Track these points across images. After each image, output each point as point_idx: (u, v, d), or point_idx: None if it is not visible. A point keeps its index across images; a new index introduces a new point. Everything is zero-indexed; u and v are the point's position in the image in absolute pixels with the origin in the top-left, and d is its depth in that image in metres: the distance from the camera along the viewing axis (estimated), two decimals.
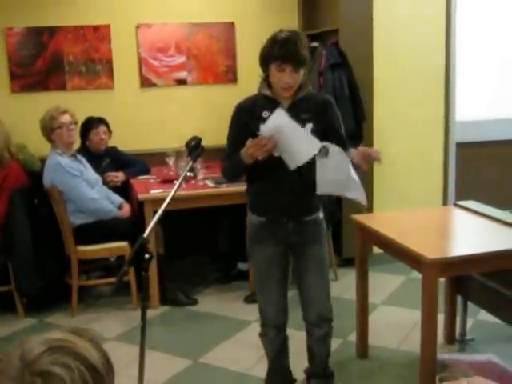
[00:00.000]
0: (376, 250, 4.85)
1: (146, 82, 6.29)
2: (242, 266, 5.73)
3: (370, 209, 5.85)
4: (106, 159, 5.75)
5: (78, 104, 5.81)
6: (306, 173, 3.23)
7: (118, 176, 5.65)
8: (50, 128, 5.10)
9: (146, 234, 2.54)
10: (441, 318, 4.19)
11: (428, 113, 6.17)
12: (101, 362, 1.25)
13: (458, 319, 4.41)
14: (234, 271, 5.83)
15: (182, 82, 6.39)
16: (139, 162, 5.87)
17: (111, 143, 5.84)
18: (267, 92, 3.30)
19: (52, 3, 5.95)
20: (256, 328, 3.72)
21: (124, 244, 5.10)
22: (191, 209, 5.34)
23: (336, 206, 5.44)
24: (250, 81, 6.14)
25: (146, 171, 5.84)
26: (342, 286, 5.48)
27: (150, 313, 4.95)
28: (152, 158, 6.03)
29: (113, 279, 5.25)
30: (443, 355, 2.52)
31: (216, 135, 5.87)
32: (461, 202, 4.38)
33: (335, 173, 3.19)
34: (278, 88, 3.21)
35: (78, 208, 5.10)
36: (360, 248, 4.19)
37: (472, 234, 3.96)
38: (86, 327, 1.34)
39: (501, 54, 6.50)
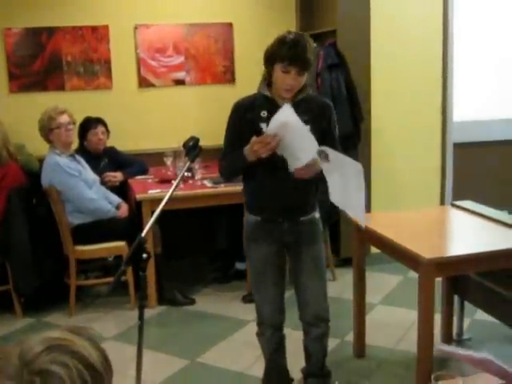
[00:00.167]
0: (374, 249, 4.87)
1: (144, 83, 6.30)
2: (239, 265, 5.74)
3: (367, 209, 5.86)
4: (104, 159, 5.75)
5: (77, 104, 5.82)
6: None
7: (116, 176, 5.65)
8: (48, 128, 5.11)
9: (143, 234, 2.55)
10: (438, 318, 4.20)
11: (425, 113, 6.18)
12: (99, 360, 1.25)
13: (455, 319, 4.42)
14: (231, 271, 5.83)
15: (180, 83, 6.40)
16: (137, 161, 5.88)
17: (109, 143, 5.84)
18: (266, 92, 3.31)
19: (50, 4, 5.96)
20: (254, 328, 3.73)
21: (122, 244, 5.11)
22: (189, 209, 5.35)
23: (332, 206, 5.45)
24: (247, 81, 6.20)
25: (144, 171, 5.84)
26: (340, 285, 5.49)
27: (148, 312, 4.96)
28: (150, 158, 6.04)
29: (111, 279, 5.25)
30: (442, 346, 2.53)
31: (214, 135, 5.87)
32: (458, 202, 4.39)
33: (342, 179, 3.16)
34: (280, 89, 3.22)
35: (76, 208, 5.11)
36: (357, 248, 4.20)
37: (469, 233, 3.97)
38: (84, 326, 1.34)
39: (498, 54, 6.51)
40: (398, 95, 6.04)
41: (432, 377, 1.87)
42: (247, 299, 5.24)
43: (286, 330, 3.67)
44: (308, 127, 3.22)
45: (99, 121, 5.73)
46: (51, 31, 5.98)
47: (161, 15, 6.26)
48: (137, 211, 5.27)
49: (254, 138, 3.15)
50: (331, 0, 5.91)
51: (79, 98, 6.07)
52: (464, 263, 3.50)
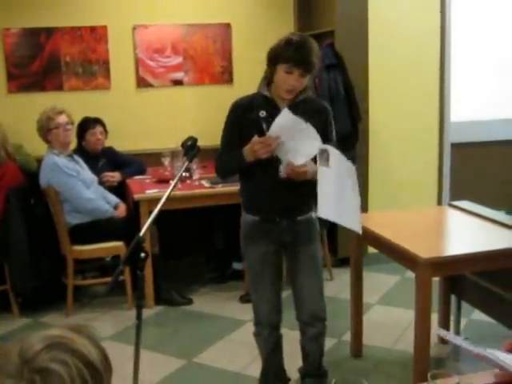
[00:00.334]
0: (371, 249, 4.87)
1: (142, 83, 6.31)
2: (237, 265, 5.75)
3: (365, 209, 5.88)
4: (102, 159, 5.76)
5: (75, 104, 5.83)
6: None
7: (115, 176, 5.66)
8: (46, 128, 5.11)
9: (142, 233, 2.56)
10: (435, 318, 4.22)
11: (423, 113, 6.19)
12: (99, 358, 1.26)
13: (452, 319, 4.43)
14: (229, 271, 5.84)
15: (178, 83, 6.41)
16: (135, 162, 5.89)
17: (108, 143, 5.85)
18: (266, 92, 3.32)
19: (49, 4, 5.97)
20: (251, 328, 3.73)
21: (120, 244, 5.11)
22: (186, 209, 5.36)
23: None
24: (245, 82, 6.20)
25: (142, 171, 5.85)
26: (337, 285, 5.49)
27: (145, 312, 4.92)
28: (148, 158, 6.05)
29: (108, 279, 5.23)
30: (444, 331, 2.53)
31: (212, 135, 5.86)
32: (455, 202, 4.39)
33: (336, 185, 3.16)
34: (282, 89, 3.23)
35: (74, 208, 5.11)
36: (355, 248, 4.21)
37: (466, 233, 3.97)
38: (84, 324, 1.35)
39: (496, 54, 6.52)
40: (396, 95, 6.06)
41: (428, 375, 1.87)
42: (244, 299, 5.24)
43: (283, 330, 3.67)
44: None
45: (97, 121, 5.74)
46: (50, 31, 5.99)
47: (159, 16, 6.27)
48: (134, 211, 5.27)
49: (255, 138, 3.16)
50: (329, 1, 5.94)
51: (77, 99, 6.08)
52: (461, 263, 3.51)
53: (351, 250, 4.25)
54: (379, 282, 5.63)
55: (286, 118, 3.12)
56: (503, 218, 3.98)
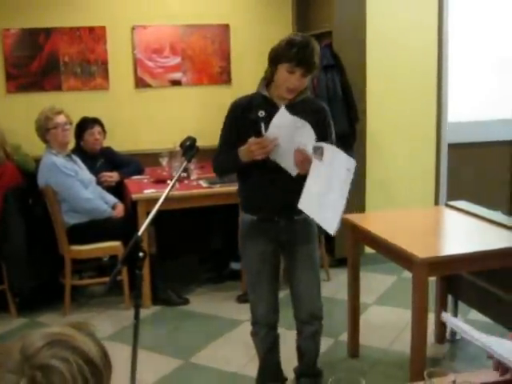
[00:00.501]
0: (368, 250, 4.89)
1: (140, 83, 6.32)
2: (234, 265, 5.74)
3: (362, 209, 5.90)
4: (100, 159, 5.77)
5: (74, 104, 5.83)
6: None
7: (113, 176, 5.67)
8: (44, 128, 5.11)
9: (140, 233, 2.57)
10: (432, 318, 4.23)
11: (420, 114, 6.21)
12: (99, 356, 1.27)
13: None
14: (226, 271, 5.84)
15: (176, 83, 6.42)
16: (133, 162, 5.90)
17: (106, 143, 5.86)
18: (265, 92, 3.34)
19: (48, 5, 5.97)
20: (248, 327, 3.74)
21: (117, 244, 5.12)
22: (184, 209, 5.36)
23: None
24: (244, 82, 6.22)
25: (140, 171, 5.85)
26: (334, 285, 5.50)
27: (142, 312, 4.89)
28: (146, 159, 6.05)
29: (106, 279, 5.24)
30: (450, 317, 2.54)
31: (210, 136, 5.87)
32: (452, 202, 4.41)
33: (325, 182, 3.13)
34: (283, 88, 3.24)
35: (72, 208, 5.12)
36: (352, 248, 4.21)
37: (462, 233, 3.98)
38: (85, 322, 1.36)
39: (493, 55, 6.53)
40: (394, 96, 6.07)
41: (425, 373, 1.89)
42: (242, 299, 5.24)
43: (280, 330, 3.68)
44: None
45: (96, 121, 5.75)
46: (49, 32, 6.00)
47: (158, 16, 6.28)
48: (132, 211, 5.28)
49: (252, 139, 3.18)
50: (327, 2, 5.95)
51: (76, 99, 6.08)
52: (457, 263, 3.53)
53: (348, 250, 4.26)
54: (376, 282, 5.63)
55: (283, 117, 3.13)
56: (500, 218, 3.99)
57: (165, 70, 6.37)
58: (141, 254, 2.51)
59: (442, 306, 4.42)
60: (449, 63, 6.24)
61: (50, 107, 5.19)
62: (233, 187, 5.10)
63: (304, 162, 3.14)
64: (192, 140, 3.00)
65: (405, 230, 3.88)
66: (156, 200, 2.73)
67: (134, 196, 5.13)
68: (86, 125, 5.69)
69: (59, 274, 5.24)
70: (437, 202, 6.29)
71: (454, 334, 4.42)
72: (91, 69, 6.17)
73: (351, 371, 4.09)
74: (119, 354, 4.20)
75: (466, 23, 6.37)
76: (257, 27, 6.48)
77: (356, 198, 5.83)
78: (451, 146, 6.36)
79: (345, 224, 4.18)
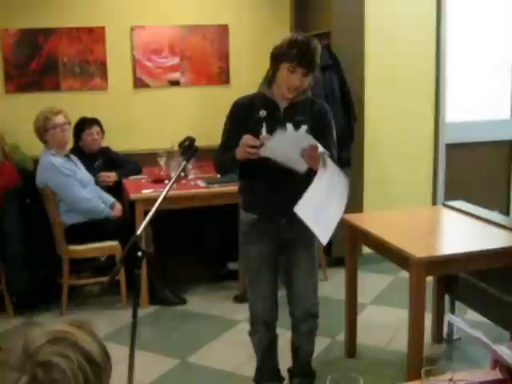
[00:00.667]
0: (365, 249, 4.90)
1: (139, 83, 6.33)
2: (231, 265, 5.75)
3: (359, 208, 5.91)
4: (98, 159, 5.77)
5: (72, 105, 5.84)
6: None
7: (111, 176, 5.67)
8: (43, 128, 5.12)
9: (139, 232, 2.58)
10: (429, 318, 4.24)
11: (418, 114, 6.22)
12: (100, 354, 1.28)
13: (446, 318, 4.46)
14: (223, 271, 5.84)
15: (175, 83, 6.43)
16: (131, 162, 5.90)
17: (104, 143, 5.86)
18: (266, 92, 3.35)
19: (47, 5, 5.98)
20: (245, 327, 3.75)
21: (115, 243, 5.12)
22: (181, 208, 5.36)
23: None
24: (242, 82, 6.24)
25: (138, 171, 5.86)
26: (332, 285, 5.50)
27: (139, 312, 4.86)
28: (144, 158, 6.06)
29: (103, 278, 5.23)
30: (456, 318, 2.56)
31: (208, 136, 5.89)
32: (449, 202, 4.42)
33: (326, 192, 3.14)
34: (284, 88, 3.26)
35: (71, 208, 5.12)
36: (349, 248, 4.22)
37: (460, 233, 4.00)
38: (86, 320, 1.38)
39: (491, 56, 6.55)
40: (391, 96, 6.08)
41: (422, 371, 1.90)
42: (239, 299, 5.26)
43: (278, 331, 3.69)
44: (304, 127, 3.28)
45: (94, 121, 5.75)
46: (48, 32, 6.00)
47: (157, 17, 6.28)
48: (130, 211, 5.29)
49: (246, 136, 3.18)
50: (325, 3, 5.96)
51: (75, 99, 6.09)
52: (454, 262, 3.54)
53: (345, 250, 4.26)
54: (373, 282, 5.64)
55: (279, 140, 3.14)
56: (497, 218, 4.01)
57: (163, 71, 6.37)
58: (139, 254, 2.52)
59: (439, 305, 4.43)
60: (447, 64, 6.25)
61: (49, 107, 5.20)
62: (230, 187, 5.14)
63: (314, 157, 3.11)
64: (191, 140, 3.00)
65: (402, 230, 3.89)
66: (154, 200, 2.73)
67: (132, 196, 5.13)
68: (84, 125, 5.70)
69: (57, 273, 5.24)
70: (434, 202, 6.30)
71: (451, 333, 4.43)
72: (90, 69, 6.18)
73: (348, 371, 4.09)
74: (116, 354, 4.20)
75: (465, 24, 6.38)
76: (255, 28, 6.50)
77: (353, 198, 5.82)
78: (449, 146, 6.37)
79: (342, 224, 4.20)
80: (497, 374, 2.12)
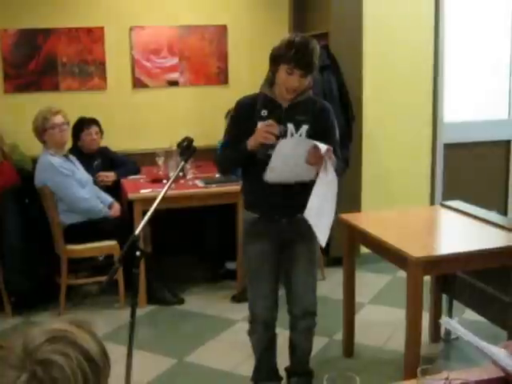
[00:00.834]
0: (363, 249, 4.91)
1: (138, 83, 6.33)
2: (229, 265, 5.75)
3: (357, 208, 5.92)
4: (97, 159, 5.77)
5: (71, 105, 5.84)
6: None
7: (109, 176, 5.68)
8: (42, 128, 5.12)
9: (137, 232, 2.59)
10: (426, 317, 4.25)
11: (416, 114, 6.23)
12: (98, 353, 1.29)
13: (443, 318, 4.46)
14: (221, 270, 5.84)
15: (173, 84, 6.44)
16: (129, 162, 5.91)
17: (103, 143, 5.87)
18: (268, 92, 3.37)
19: (47, 5, 5.98)
20: (242, 327, 3.75)
21: (113, 243, 5.12)
22: (179, 208, 5.37)
23: None
24: (241, 82, 6.25)
25: (136, 171, 5.87)
26: (330, 285, 5.49)
27: (137, 312, 4.88)
28: (143, 158, 6.07)
29: (102, 278, 5.20)
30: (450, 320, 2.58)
31: (207, 136, 5.93)
32: (447, 202, 4.43)
33: (326, 194, 3.19)
34: (283, 89, 3.28)
35: (69, 207, 5.12)
36: (347, 247, 4.22)
37: (457, 233, 4.01)
38: (85, 319, 1.39)
39: (489, 56, 6.56)
40: (390, 96, 6.09)
41: (418, 370, 1.91)
42: (237, 299, 5.27)
43: (277, 330, 3.70)
44: (305, 127, 3.31)
45: (93, 121, 5.75)
46: (47, 33, 6.01)
47: (155, 17, 6.29)
48: (128, 211, 5.29)
49: (262, 123, 3.23)
50: (324, 3, 5.97)
51: (74, 99, 6.09)
52: (452, 262, 3.55)
53: (344, 249, 4.27)
54: (371, 281, 5.65)
55: (280, 154, 3.16)
56: (495, 217, 4.02)
57: (162, 71, 6.38)
58: (137, 253, 2.54)
59: (436, 305, 4.44)
60: (445, 64, 6.26)
61: (48, 107, 5.20)
62: (228, 187, 5.16)
63: (320, 157, 3.13)
64: (189, 140, 3.02)
65: (400, 230, 3.90)
66: (152, 200, 2.75)
67: (131, 196, 5.14)
68: (83, 125, 5.70)
69: (55, 273, 5.24)
70: (432, 202, 6.31)
71: (448, 333, 4.44)
72: (89, 69, 6.19)
73: (346, 370, 4.10)
74: (114, 353, 4.21)
75: (463, 24, 6.40)
76: (254, 28, 6.50)
77: (351, 198, 5.86)
78: (447, 146, 6.39)
79: (340, 223, 4.22)
80: (492, 373, 2.13)
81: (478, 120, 6.64)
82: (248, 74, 6.28)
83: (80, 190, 5.16)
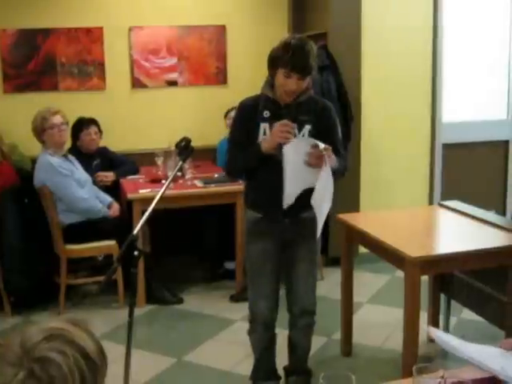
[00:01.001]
0: (362, 249, 4.92)
1: (137, 84, 6.34)
2: (228, 265, 5.75)
3: (356, 208, 5.92)
4: (96, 159, 5.78)
5: (70, 105, 5.85)
6: None
7: (108, 176, 5.69)
8: (41, 128, 5.12)
9: (135, 232, 2.60)
10: (424, 317, 4.25)
11: (415, 114, 6.24)
12: (96, 351, 1.30)
13: (442, 317, 4.46)
14: (220, 270, 5.84)
15: (172, 84, 6.44)
16: (128, 161, 5.92)
17: (102, 143, 5.87)
18: (269, 93, 3.38)
19: (46, 5, 5.99)
20: (241, 327, 3.76)
21: (112, 243, 5.12)
22: (178, 208, 5.38)
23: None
24: (239, 83, 6.26)
25: (135, 171, 5.88)
26: (328, 284, 5.49)
27: (136, 311, 4.86)
28: (142, 158, 6.08)
29: (101, 278, 5.19)
30: (433, 330, 2.59)
31: (206, 136, 5.94)
32: (445, 202, 4.43)
33: (326, 187, 3.22)
34: (282, 91, 3.29)
35: (68, 207, 5.13)
36: (345, 247, 4.23)
37: (455, 233, 4.01)
38: (83, 318, 1.40)
39: (487, 56, 6.57)
40: (388, 96, 6.10)
41: (413, 368, 1.91)
42: (235, 298, 5.28)
43: (277, 330, 3.70)
44: (308, 127, 3.34)
45: (92, 121, 5.76)
46: (46, 33, 6.01)
47: (154, 17, 6.29)
48: (127, 211, 5.30)
49: (279, 122, 3.24)
50: (323, 3, 5.98)
51: (73, 99, 6.10)
52: (450, 262, 3.56)
53: (342, 249, 4.28)
54: (369, 281, 5.66)
55: (287, 155, 3.19)
56: (493, 217, 4.02)
57: (161, 71, 6.39)
58: (136, 253, 2.54)
59: (434, 305, 4.45)
60: (443, 64, 6.27)
61: (47, 107, 5.20)
62: (227, 187, 5.17)
63: (320, 156, 3.15)
64: (187, 141, 3.03)
65: (398, 230, 3.91)
66: (151, 199, 2.75)
67: (130, 195, 5.15)
68: (82, 125, 5.71)
69: (54, 273, 5.25)
70: (431, 202, 6.32)
71: (447, 332, 4.44)
72: (88, 69, 6.19)
73: (344, 369, 4.10)
74: (113, 353, 4.22)
75: (461, 24, 6.40)
76: (253, 28, 6.51)
77: (350, 198, 5.86)
78: (445, 146, 6.40)
79: (338, 223, 4.23)
80: (487, 372, 2.14)
81: (476, 120, 6.65)
82: (247, 74, 6.29)
83: (79, 190, 5.16)
